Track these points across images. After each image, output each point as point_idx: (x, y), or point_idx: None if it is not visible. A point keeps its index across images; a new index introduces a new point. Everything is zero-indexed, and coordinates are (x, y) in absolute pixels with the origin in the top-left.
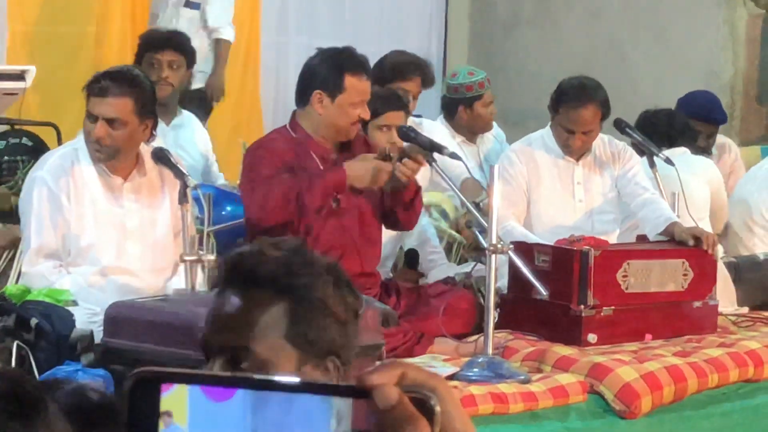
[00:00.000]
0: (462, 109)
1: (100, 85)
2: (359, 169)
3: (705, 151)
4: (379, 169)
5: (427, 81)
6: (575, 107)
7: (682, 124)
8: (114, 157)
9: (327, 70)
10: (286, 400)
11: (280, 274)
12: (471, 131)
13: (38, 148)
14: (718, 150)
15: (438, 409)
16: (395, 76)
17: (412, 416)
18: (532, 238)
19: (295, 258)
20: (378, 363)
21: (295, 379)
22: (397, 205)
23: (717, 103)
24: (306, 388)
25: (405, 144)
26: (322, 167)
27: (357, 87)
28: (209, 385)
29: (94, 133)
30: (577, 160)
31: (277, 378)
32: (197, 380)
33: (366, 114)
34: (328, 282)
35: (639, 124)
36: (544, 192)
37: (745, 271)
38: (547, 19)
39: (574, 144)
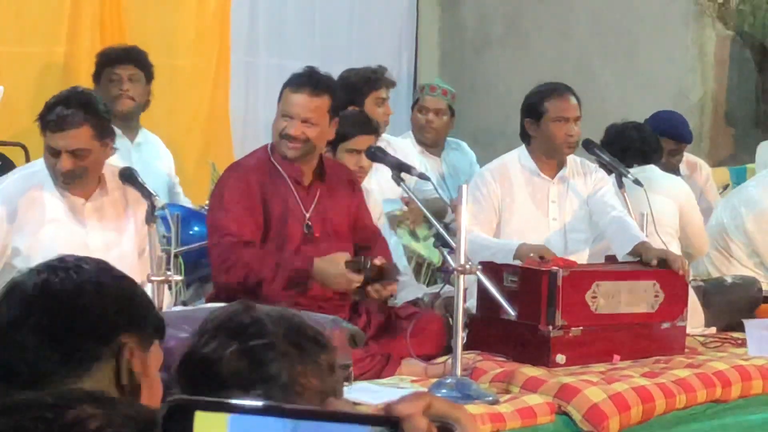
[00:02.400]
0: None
1: (55, 117)
2: (327, 275)
3: (670, 169)
4: (348, 279)
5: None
6: (560, 95)
7: (652, 138)
8: (82, 181)
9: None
10: (319, 426)
11: (243, 372)
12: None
13: (6, 168)
14: (689, 169)
15: None
16: (371, 88)
17: None
18: (493, 242)
19: (253, 343)
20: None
21: (326, 410)
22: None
23: (683, 122)
24: (338, 417)
25: (383, 262)
26: (295, 191)
27: (286, 98)
28: (241, 414)
29: (61, 167)
30: (552, 177)
31: (309, 408)
32: (230, 409)
33: (293, 129)
34: (292, 355)
35: (607, 139)
36: (517, 210)
37: (713, 294)
38: (517, 39)
39: (573, 132)
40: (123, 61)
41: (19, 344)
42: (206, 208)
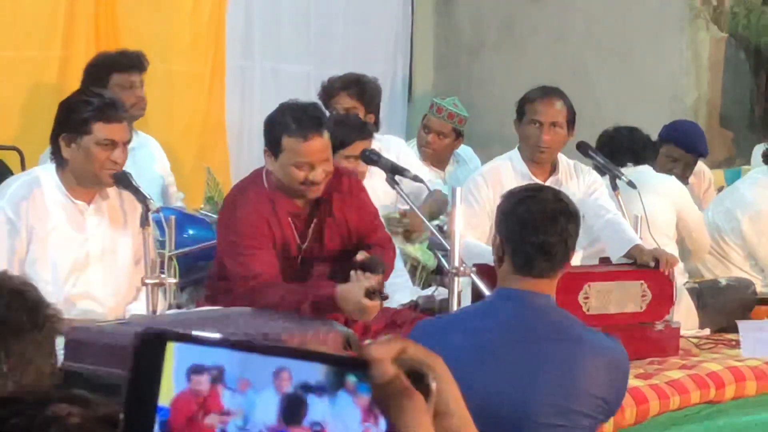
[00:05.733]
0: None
1: (115, 110)
2: (352, 310)
3: (680, 179)
4: (365, 307)
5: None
6: (541, 99)
7: (644, 140)
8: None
9: (268, 129)
10: None
11: None
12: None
13: (1, 172)
14: (696, 177)
15: (434, 386)
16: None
17: (407, 390)
18: (487, 251)
19: None
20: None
21: (300, 349)
22: None
23: (702, 137)
24: (307, 356)
25: (364, 256)
26: (294, 226)
27: (295, 148)
28: (213, 347)
29: (120, 159)
30: (545, 180)
31: (283, 346)
32: (201, 342)
33: (317, 176)
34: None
35: (600, 143)
36: None
37: (707, 295)
38: (512, 43)
39: (543, 138)
40: (134, 67)
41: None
42: (202, 212)
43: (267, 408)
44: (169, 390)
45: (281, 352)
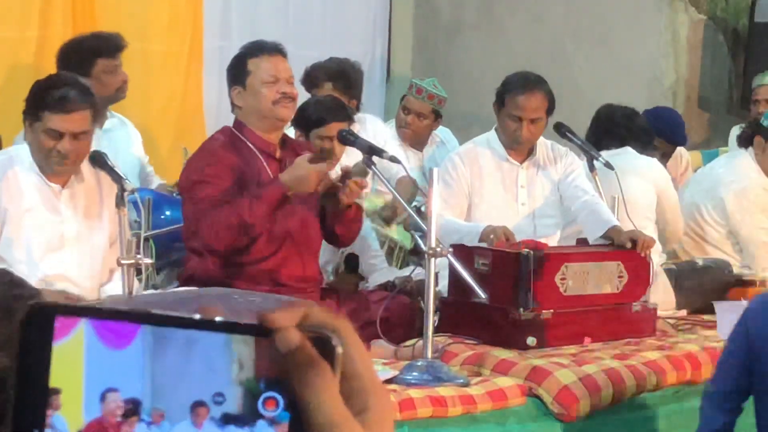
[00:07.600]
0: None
1: (62, 99)
2: (298, 180)
3: None
4: (317, 172)
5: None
6: (522, 93)
7: (640, 129)
8: (75, 167)
9: (232, 65)
10: (186, 346)
11: None
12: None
13: None
14: (673, 158)
15: (339, 350)
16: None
17: (313, 359)
18: (462, 225)
19: None
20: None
21: (194, 316)
22: (338, 222)
23: (681, 125)
24: (207, 325)
25: (349, 165)
26: (266, 164)
27: (261, 65)
28: (105, 320)
29: (64, 150)
30: (522, 162)
31: (176, 315)
32: (93, 314)
33: (288, 88)
34: None
35: (596, 116)
36: (486, 195)
37: (684, 276)
38: (491, 23)
39: (522, 134)
40: (116, 51)
41: None
42: (177, 193)
43: None
44: (76, 388)
45: (176, 322)
